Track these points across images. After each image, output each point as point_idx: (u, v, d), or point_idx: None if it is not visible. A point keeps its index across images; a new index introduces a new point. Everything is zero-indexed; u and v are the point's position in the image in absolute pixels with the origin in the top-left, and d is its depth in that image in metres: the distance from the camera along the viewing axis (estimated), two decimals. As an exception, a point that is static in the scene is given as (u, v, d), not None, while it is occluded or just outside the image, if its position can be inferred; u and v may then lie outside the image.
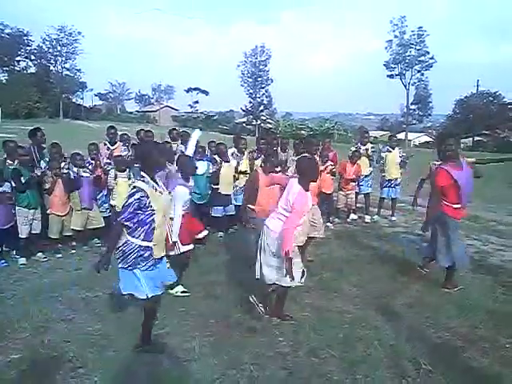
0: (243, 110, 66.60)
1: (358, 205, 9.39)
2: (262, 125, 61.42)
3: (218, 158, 7.54)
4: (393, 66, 56.60)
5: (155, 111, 74.76)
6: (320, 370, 3.59)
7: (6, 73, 58.57)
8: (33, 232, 6.19)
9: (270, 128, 57.36)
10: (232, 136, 9.44)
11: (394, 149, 9.09)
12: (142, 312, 3.84)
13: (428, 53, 55.09)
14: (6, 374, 3.43)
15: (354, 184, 8.85)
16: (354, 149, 9.11)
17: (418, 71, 56.50)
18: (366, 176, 9.07)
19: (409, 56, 55.66)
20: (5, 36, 57.35)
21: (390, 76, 57.07)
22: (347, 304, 4.89)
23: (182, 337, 4.07)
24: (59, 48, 61.82)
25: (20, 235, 6.10)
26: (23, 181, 5.95)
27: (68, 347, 3.82)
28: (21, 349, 3.79)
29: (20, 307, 4.61)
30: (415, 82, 57.21)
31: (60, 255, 6.41)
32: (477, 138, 51.86)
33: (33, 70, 61.06)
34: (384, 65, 56.89)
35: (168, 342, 3.98)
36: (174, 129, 8.79)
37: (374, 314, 4.62)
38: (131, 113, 77.29)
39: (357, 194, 9.15)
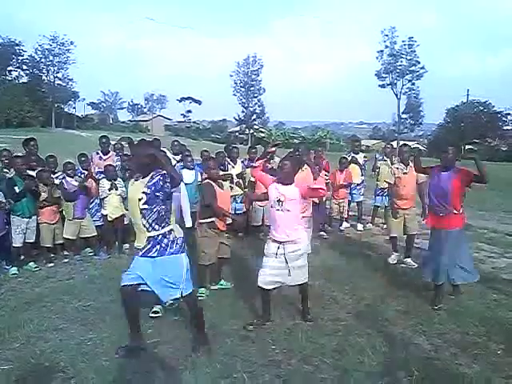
0: (236, 120, 66.93)
1: (350, 213, 9.45)
2: (255, 134, 61.62)
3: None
4: (384, 75, 57.21)
5: (148, 121, 74.82)
6: (313, 377, 3.59)
7: (-3, 82, 58.46)
8: (27, 241, 6.16)
9: (263, 137, 57.54)
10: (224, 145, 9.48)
11: (388, 157, 9.17)
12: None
13: (419, 62, 55.80)
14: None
15: (345, 191, 8.92)
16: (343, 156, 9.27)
17: (409, 81, 57.13)
18: (357, 184, 9.15)
19: (400, 66, 56.28)
20: (-4, 46, 57.34)
21: (382, 86, 57.67)
22: (340, 312, 4.90)
23: (175, 346, 4.04)
24: (51, 58, 61.98)
25: (13, 244, 6.07)
26: (17, 190, 5.94)
27: (60, 357, 3.79)
28: (12, 359, 3.75)
29: (11, 317, 4.57)
30: (406, 92, 57.85)
31: (52, 264, 6.37)
32: (468, 147, 52.37)
33: (25, 79, 61.13)
34: (375, 74, 57.49)
35: (161, 351, 3.96)
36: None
37: (367, 322, 4.62)
38: (124, 122, 77.32)
39: (349, 202, 9.22)
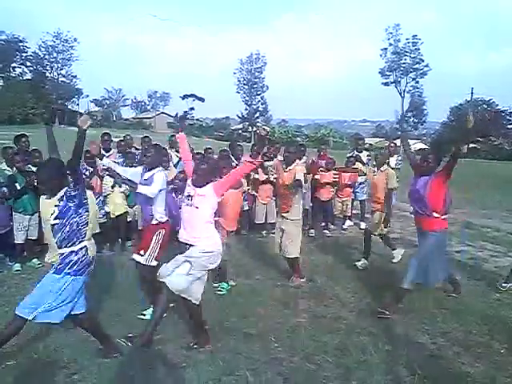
0: (239, 117, 66.89)
1: (353, 211, 9.44)
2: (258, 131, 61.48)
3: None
4: (388, 73, 57.20)
5: (151, 118, 74.77)
6: (316, 375, 3.59)
7: (1, 79, 58.52)
8: (29, 238, 6.17)
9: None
10: (228, 143, 9.47)
11: (391, 156, 9.13)
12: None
13: (423, 60, 55.76)
14: (2, 381, 3.42)
15: (349, 190, 8.91)
16: (349, 155, 9.23)
17: (413, 79, 57.10)
18: (361, 183, 9.12)
19: (404, 64, 56.23)
20: (0, 42, 57.38)
21: (385, 83, 57.61)
22: (342, 310, 4.90)
23: (178, 343, 4.05)
24: (55, 54, 62.10)
25: (15, 241, 6.08)
26: (18, 187, 5.95)
27: (63, 353, 3.80)
28: (16, 355, 3.76)
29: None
30: (410, 90, 57.78)
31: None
32: (471, 145, 52.18)
33: (29, 76, 61.11)
34: (379, 72, 57.42)
35: (163, 347, 3.97)
36: (173, 135, 8.74)
37: (370, 320, 4.63)
38: (127, 119, 77.32)
39: (352, 200, 9.20)
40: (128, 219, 7.09)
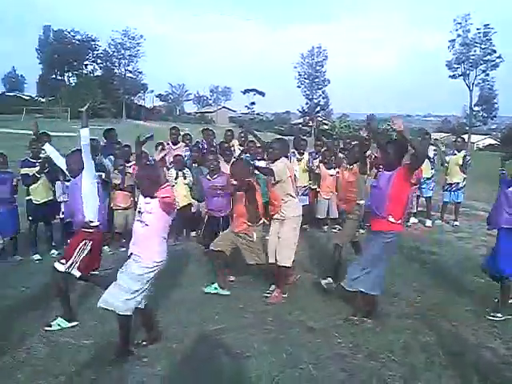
0: (300, 111, 66.58)
1: (419, 208, 9.13)
2: (319, 126, 60.99)
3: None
4: (455, 66, 54.47)
5: (213, 112, 76.10)
6: (380, 373, 3.53)
7: (75, 76, 61.93)
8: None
9: (327, 129, 56.85)
10: (292, 137, 9.46)
11: (459, 151, 8.75)
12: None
13: (494, 51, 52.55)
14: (80, 356, 3.66)
15: (414, 187, 8.61)
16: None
17: (483, 71, 54.04)
18: (427, 179, 8.77)
19: (473, 55, 53.30)
20: (75, 42, 60.88)
21: (453, 76, 54.96)
22: (407, 309, 4.77)
23: (240, 333, 4.13)
24: (123, 51, 64.65)
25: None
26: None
27: (133, 337, 3.94)
28: (91, 335, 4.01)
29: (86, 298, 4.80)
30: (479, 83, 54.77)
31: (124, 249, 6.67)
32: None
33: (99, 72, 64.16)
34: (446, 65, 54.87)
35: (226, 337, 4.05)
36: (230, 130, 8.88)
37: (436, 320, 4.47)
38: (190, 113, 79.23)
39: (418, 197, 8.90)
40: (192, 210, 7.28)
